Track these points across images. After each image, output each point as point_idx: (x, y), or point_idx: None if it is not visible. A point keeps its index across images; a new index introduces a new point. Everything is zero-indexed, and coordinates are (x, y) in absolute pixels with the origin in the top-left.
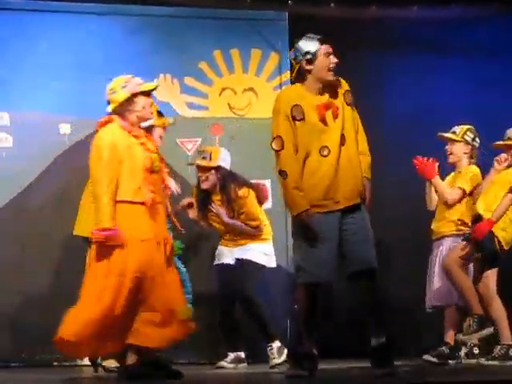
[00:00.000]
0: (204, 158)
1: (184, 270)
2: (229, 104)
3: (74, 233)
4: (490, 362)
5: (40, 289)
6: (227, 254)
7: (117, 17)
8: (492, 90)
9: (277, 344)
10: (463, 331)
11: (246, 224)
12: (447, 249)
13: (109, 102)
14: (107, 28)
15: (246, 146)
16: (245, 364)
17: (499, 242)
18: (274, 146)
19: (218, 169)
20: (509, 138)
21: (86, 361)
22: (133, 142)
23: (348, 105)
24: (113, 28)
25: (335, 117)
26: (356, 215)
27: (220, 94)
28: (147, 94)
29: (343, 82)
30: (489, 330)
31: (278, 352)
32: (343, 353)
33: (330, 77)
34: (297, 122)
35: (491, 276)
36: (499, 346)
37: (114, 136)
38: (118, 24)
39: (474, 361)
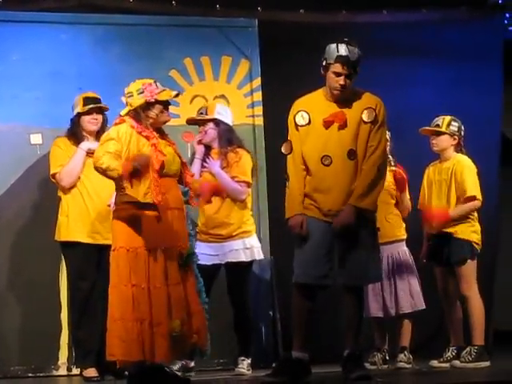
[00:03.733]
0: (201, 113)
1: (201, 279)
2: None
3: (56, 238)
4: (462, 365)
5: (14, 299)
6: (209, 251)
7: (86, 26)
8: (463, 91)
9: (249, 360)
10: (461, 358)
11: (235, 179)
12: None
13: (126, 104)
14: (76, 38)
15: None
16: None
17: (476, 243)
18: (282, 150)
19: (216, 123)
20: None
21: (63, 371)
22: (143, 143)
23: (365, 123)
24: (82, 37)
25: (340, 128)
26: (355, 229)
27: (191, 102)
28: (164, 102)
29: (372, 98)
30: (485, 364)
31: (247, 367)
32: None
33: (335, 95)
34: (300, 128)
35: (474, 278)
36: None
37: (121, 131)
38: (88, 33)
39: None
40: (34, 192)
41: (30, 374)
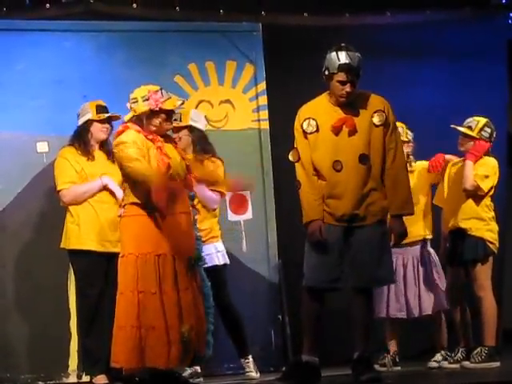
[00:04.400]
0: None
1: (209, 283)
2: (206, 117)
3: (62, 246)
4: (472, 365)
5: (23, 307)
6: None
7: (90, 33)
8: (468, 91)
9: (251, 358)
10: (471, 359)
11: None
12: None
13: (130, 109)
14: (80, 45)
15: (225, 157)
16: None
17: (491, 242)
18: (290, 158)
19: (190, 130)
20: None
21: (73, 378)
22: (149, 146)
23: (377, 126)
24: (86, 44)
25: (351, 134)
26: (364, 233)
27: (197, 107)
28: (168, 110)
29: (378, 100)
30: (495, 364)
31: (254, 366)
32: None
33: (340, 102)
34: (309, 136)
35: (488, 278)
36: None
37: (134, 137)
38: (91, 40)
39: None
40: (41, 200)
41: (40, 382)
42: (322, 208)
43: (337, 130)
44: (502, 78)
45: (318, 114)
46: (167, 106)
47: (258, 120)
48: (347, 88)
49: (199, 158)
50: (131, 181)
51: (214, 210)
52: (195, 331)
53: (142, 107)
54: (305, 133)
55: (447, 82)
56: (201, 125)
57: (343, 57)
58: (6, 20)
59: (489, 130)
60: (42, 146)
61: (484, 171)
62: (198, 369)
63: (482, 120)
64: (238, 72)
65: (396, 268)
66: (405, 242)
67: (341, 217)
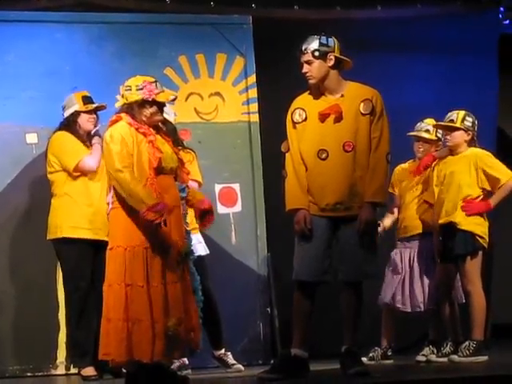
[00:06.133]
0: None
1: (198, 277)
2: (196, 109)
3: (48, 237)
4: (460, 359)
5: (11, 299)
6: None
7: (81, 25)
8: (458, 86)
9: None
10: (459, 353)
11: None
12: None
13: (122, 97)
14: (71, 36)
15: (214, 150)
16: None
17: (480, 237)
18: (282, 148)
19: (163, 122)
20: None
21: (61, 370)
22: (141, 140)
23: (363, 115)
24: (77, 36)
25: (336, 120)
26: (351, 224)
27: (186, 100)
28: (161, 103)
29: (367, 90)
30: (483, 358)
31: (232, 358)
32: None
33: (310, 85)
34: (297, 126)
35: (477, 272)
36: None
37: (123, 132)
38: (83, 32)
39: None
40: (30, 191)
41: (28, 374)
42: (307, 198)
43: (324, 118)
44: (492, 73)
45: (307, 103)
46: (160, 97)
47: (248, 113)
48: (304, 69)
49: (174, 150)
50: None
51: None
52: (184, 325)
53: (136, 96)
54: (294, 123)
55: (437, 77)
56: (171, 118)
57: (304, 41)
58: None
59: (470, 120)
60: (32, 137)
61: (500, 166)
62: (186, 361)
63: (462, 111)
64: (228, 65)
65: (403, 261)
66: (414, 234)
67: (325, 206)
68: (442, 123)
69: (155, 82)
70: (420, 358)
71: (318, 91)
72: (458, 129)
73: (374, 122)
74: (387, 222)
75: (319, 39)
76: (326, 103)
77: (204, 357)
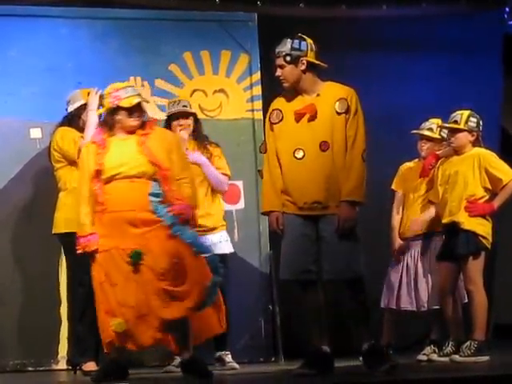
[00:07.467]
0: (185, 106)
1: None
2: (200, 106)
3: (54, 231)
4: (462, 359)
5: (13, 293)
6: None
7: (85, 20)
8: (463, 85)
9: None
10: (460, 352)
11: (219, 171)
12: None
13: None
14: (75, 32)
15: None
16: None
17: (483, 237)
18: (260, 150)
19: (195, 117)
20: (455, 121)
21: (62, 365)
22: (96, 152)
23: (339, 114)
24: (81, 32)
25: (310, 119)
26: (332, 223)
27: (191, 96)
28: (129, 108)
29: (343, 89)
30: (485, 358)
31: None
32: None
33: (283, 88)
34: (274, 126)
35: (479, 272)
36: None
37: (84, 152)
38: (87, 28)
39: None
40: (34, 186)
41: (29, 368)
42: (280, 200)
43: (299, 117)
44: (496, 72)
45: (284, 104)
46: (123, 103)
47: (252, 110)
48: (277, 72)
49: (205, 143)
50: None
51: (225, 192)
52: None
53: (107, 103)
54: (271, 124)
55: (441, 76)
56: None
57: (278, 45)
58: (0, 5)
59: (475, 120)
60: (36, 132)
61: (504, 167)
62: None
63: (466, 112)
64: (232, 62)
65: (408, 260)
66: (419, 233)
67: (303, 205)
68: (446, 124)
69: (128, 87)
70: (421, 357)
71: (295, 92)
72: (462, 130)
73: (350, 121)
74: (395, 222)
75: (291, 43)
76: (302, 103)
77: (206, 354)
